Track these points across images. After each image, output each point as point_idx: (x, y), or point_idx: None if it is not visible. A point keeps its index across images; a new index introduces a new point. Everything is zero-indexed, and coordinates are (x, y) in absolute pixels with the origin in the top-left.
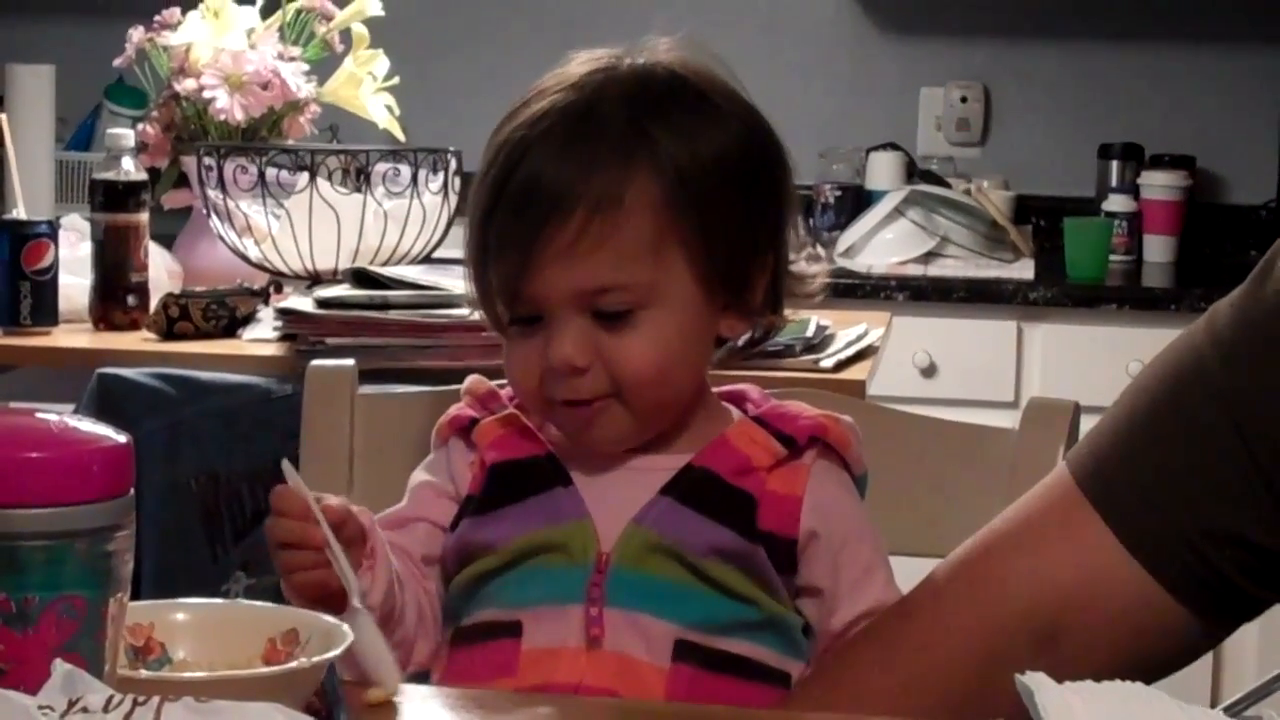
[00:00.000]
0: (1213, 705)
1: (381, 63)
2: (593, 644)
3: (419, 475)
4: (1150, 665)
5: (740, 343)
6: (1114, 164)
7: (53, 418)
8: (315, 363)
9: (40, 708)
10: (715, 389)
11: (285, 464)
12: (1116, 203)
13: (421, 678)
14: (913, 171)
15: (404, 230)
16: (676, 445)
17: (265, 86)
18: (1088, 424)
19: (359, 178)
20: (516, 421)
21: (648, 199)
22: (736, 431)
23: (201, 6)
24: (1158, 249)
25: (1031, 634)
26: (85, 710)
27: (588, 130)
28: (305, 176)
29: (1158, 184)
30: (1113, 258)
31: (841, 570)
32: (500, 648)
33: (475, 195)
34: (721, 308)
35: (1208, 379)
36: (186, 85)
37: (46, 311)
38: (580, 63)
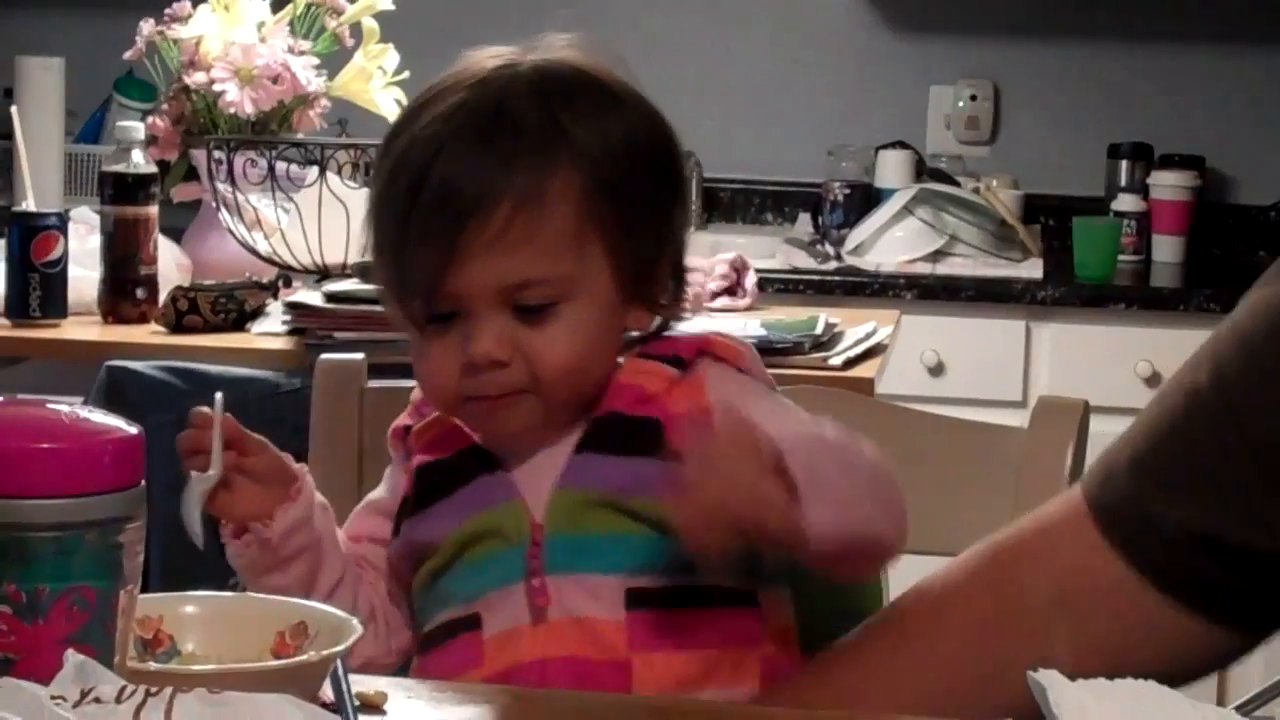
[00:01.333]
0: (1220, 705)
1: (391, 57)
2: (538, 615)
3: (370, 495)
4: (1168, 674)
5: (635, 335)
6: (1123, 163)
7: (64, 408)
8: (324, 357)
9: (53, 698)
10: None
11: (218, 395)
12: (1125, 202)
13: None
14: (921, 170)
15: None
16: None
17: (275, 80)
18: (1096, 423)
19: (368, 172)
20: (446, 422)
21: (570, 192)
22: (625, 370)
23: (212, 0)
24: (1167, 249)
25: (1036, 635)
26: (98, 701)
27: (504, 126)
28: (315, 170)
29: (1167, 184)
30: (1121, 257)
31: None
32: (465, 642)
33: (383, 194)
34: (629, 299)
35: (1203, 394)
36: (196, 78)
37: (55, 304)
38: (480, 59)
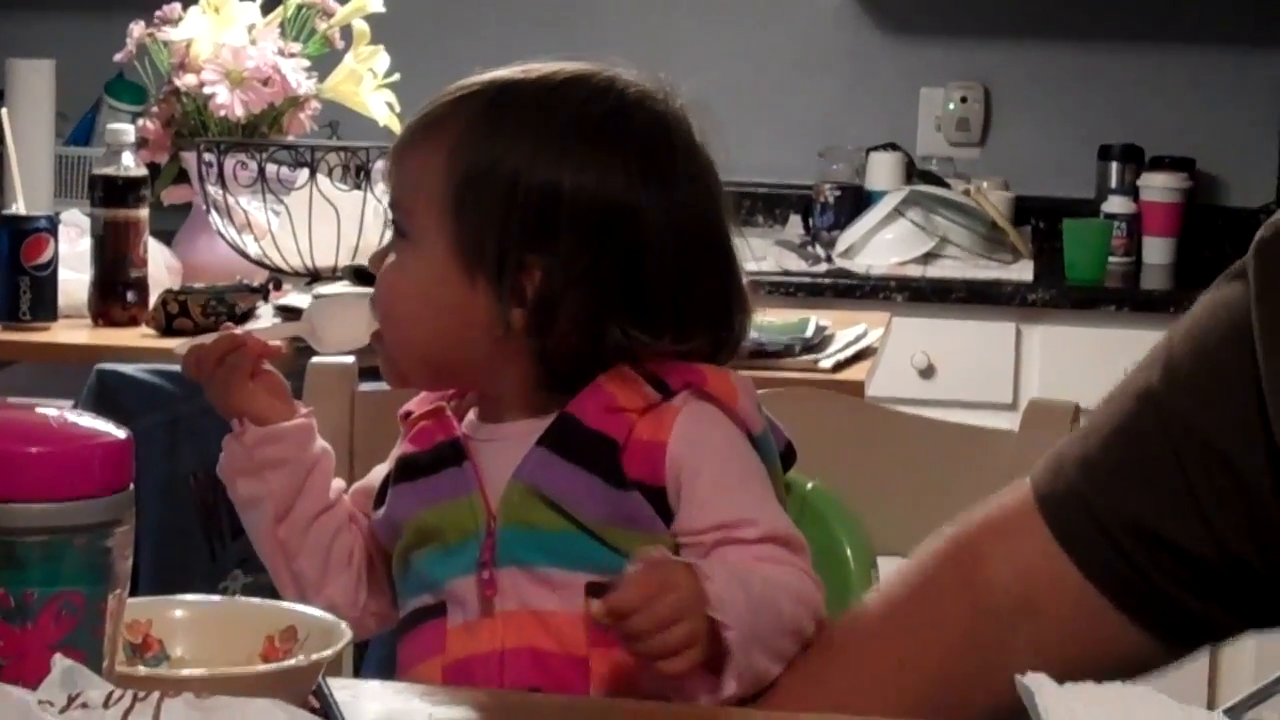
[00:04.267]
0: (1210, 708)
1: (382, 59)
2: (486, 606)
3: (377, 467)
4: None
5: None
6: (1113, 165)
7: (52, 412)
8: (315, 360)
9: (40, 703)
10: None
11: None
12: (1116, 204)
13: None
14: (912, 172)
15: None
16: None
17: (266, 82)
18: None
19: (359, 174)
20: (440, 413)
21: (445, 147)
22: (610, 375)
23: (202, 2)
24: (1157, 251)
25: (1001, 638)
26: (85, 706)
27: (459, 90)
28: (305, 173)
29: (1157, 186)
30: (1112, 259)
31: (693, 490)
32: (431, 630)
33: None
34: (489, 295)
35: (1155, 395)
36: (187, 81)
37: (46, 307)
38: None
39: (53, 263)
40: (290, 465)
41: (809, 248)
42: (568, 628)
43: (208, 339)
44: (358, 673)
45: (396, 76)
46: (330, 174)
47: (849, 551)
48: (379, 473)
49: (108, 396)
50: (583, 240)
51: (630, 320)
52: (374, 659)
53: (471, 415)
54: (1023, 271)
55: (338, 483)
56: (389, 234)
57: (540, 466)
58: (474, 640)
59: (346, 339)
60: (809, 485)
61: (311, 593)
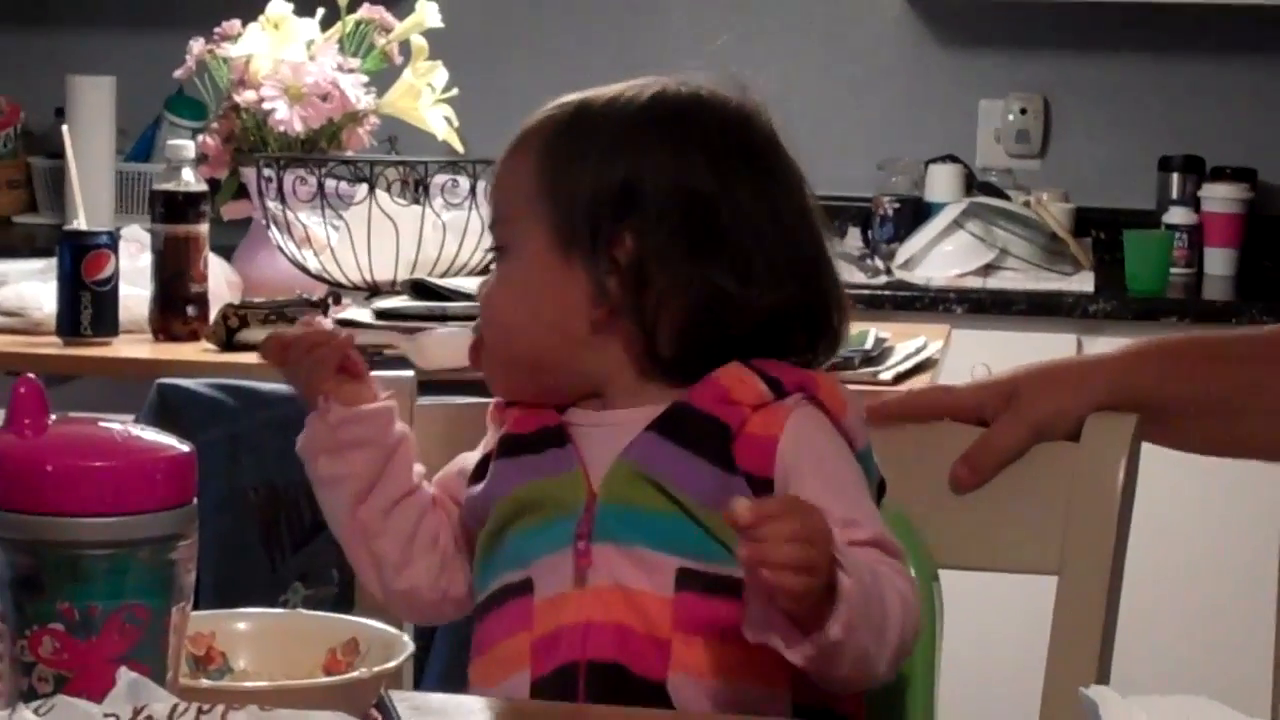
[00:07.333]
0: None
1: (440, 74)
2: (580, 576)
3: (463, 455)
4: None
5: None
6: (1174, 176)
7: (116, 426)
8: (373, 374)
9: (105, 715)
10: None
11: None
12: (1177, 215)
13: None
14: (972, 183)
15: (462, 241)
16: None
17: (324, 98)
18: (1148, 439)
19: (417, 189)
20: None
21: (534, 150)
22: (725, 370)
23: (262, 18)
24: (1218, 262)
25: None
26: (150, 718)
27: (562, 102)
28: (364, 188)
29: (1219, 196)
30: (1173, 270)
31: (803, 488)
32: (517, 606)
33: None
34: (590, 271)
35: None
36: (246, 96)
37: (107, 322)
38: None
39: (114, 278)
40: (372, 446)
41: (868, 260)
42: (654, 609)
43: (292, 329)
44: (418, 685)
45: (455, 91)
46: (389, 189)
47: (910, 564)
48: (469, 459)
49: (168, 411)
50: (667, 210)
51: (721, 270)
52: (434, 672)
53: (574, 406)
54: (1083, 283)
55: (418, 467)
56: (482, 258)
57: (649, 447)
58: (560, 613)
59: (447, 359)
60: None
61: (392, 574)
